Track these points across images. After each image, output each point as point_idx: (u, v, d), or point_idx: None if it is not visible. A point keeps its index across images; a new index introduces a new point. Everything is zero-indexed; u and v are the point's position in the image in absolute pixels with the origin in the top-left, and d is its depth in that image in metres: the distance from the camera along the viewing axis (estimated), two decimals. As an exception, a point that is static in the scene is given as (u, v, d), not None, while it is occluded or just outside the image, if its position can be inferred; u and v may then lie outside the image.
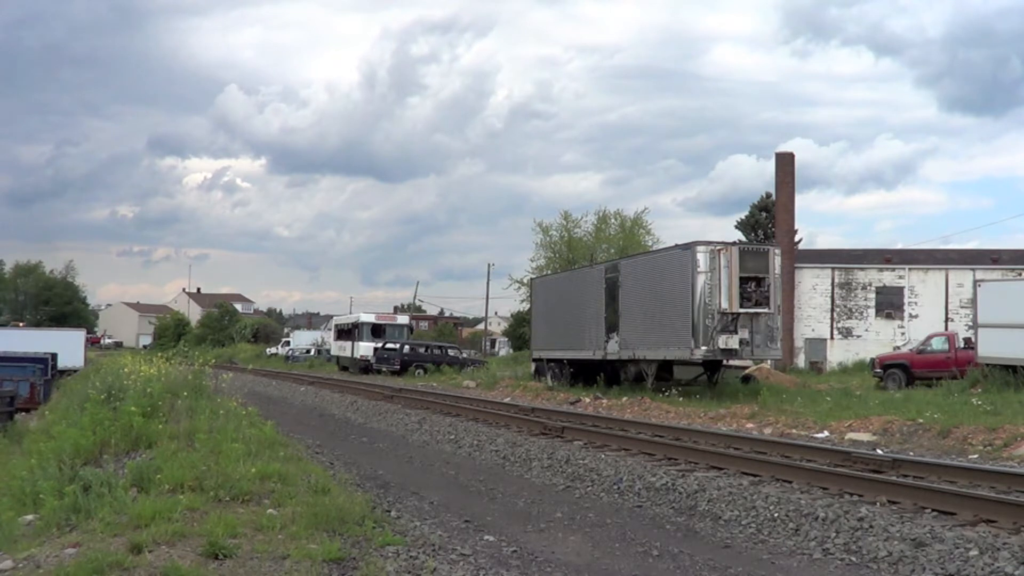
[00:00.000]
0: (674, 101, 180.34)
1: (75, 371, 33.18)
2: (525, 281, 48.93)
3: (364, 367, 45.87)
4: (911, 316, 42.97)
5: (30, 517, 8.44)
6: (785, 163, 44.64)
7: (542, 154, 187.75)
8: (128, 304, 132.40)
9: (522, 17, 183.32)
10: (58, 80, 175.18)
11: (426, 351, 47.33)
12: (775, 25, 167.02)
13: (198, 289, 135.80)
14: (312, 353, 66.36)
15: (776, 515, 9.08)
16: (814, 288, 43.80)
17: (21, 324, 61.81)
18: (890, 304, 43.51)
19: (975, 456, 13.43)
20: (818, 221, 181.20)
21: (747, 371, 27.61)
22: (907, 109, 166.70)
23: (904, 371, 28.33)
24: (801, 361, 42.27)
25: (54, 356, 29.20)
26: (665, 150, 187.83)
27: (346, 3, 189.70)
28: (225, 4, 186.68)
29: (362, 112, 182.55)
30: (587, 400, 23.99)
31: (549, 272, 46.57)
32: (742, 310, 21.55)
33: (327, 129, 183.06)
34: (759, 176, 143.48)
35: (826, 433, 16.18)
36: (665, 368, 25.33)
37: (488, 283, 75.06)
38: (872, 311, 43.64)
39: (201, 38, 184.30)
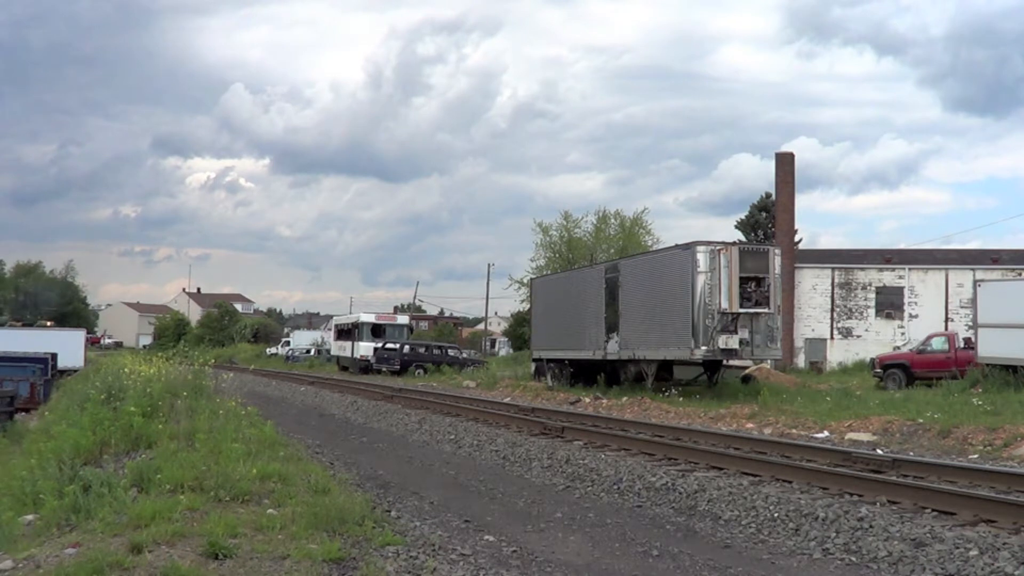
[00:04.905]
0: (680, 101, 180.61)
1: (75, 371, 33.17)
2: (525, 281, 48.95)
3: (364, 367, 45.87)
4: (911, 316, 42.97)
5: (30, 517, 8.44)
6: (785, 163, 44.65)
7: (546, 154, 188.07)
8: (128, 304, 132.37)
9: (530, 17, 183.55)
10: (63, 79, 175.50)
11: (426, 351, 47.33)
12: (778, 25, 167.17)
13: (198, 289, 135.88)
14: (312, 353, 66.34)
15: (776, 515, 9.08)
16: (814, 288, 43.80)
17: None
18: (890, 304, 43.52)
19: (975, 456, 13.43)
20: (821, 221, 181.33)
21: (747, 371, 27.59)
22: (911, 109, 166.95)
23: (904, 371, 28.32)
24: (801, 361, 42.27)
25: (54, 356, 29.20)
26: (670, 150, 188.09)
27: (354, 2, 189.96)
28: (232, 3, 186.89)
29: (367, 112, 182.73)
30: (587, 400, 23.99)
31: (549, 272, 46.58)
32: (742, 310, 21.55)
33: (331, 129, 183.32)
34: (762, 176, 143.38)
35: (826, 433, 16.18)
36: (665, 368, 25.32)
37: (488, 283, 75.17)
38: (872, 311, 43.64)
39: (207, 38, 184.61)
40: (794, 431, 16.71)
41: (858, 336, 43.45)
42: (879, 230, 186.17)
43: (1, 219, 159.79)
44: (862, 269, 44.23)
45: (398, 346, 45.97)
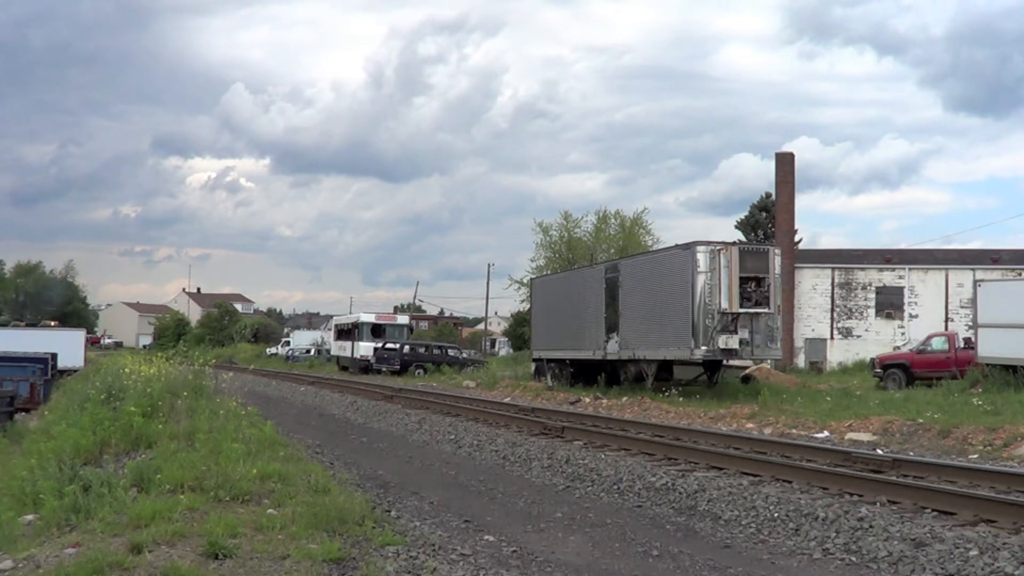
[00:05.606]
0: (681, 101, 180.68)
1: (75, 371, 33.16)
2: (525, 281, 48.94)
3: (364, 367, 45.87)
4: (911, 316, 42.97)
5: (30, 517, 8.45)
6: (785, 163, 44.64)
7: (547, 154, 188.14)
8: (128, 304, 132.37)
9: (531, 18, 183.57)
10: (64, 79, 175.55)
11: (426, 351, 47.33)
12: (779, 25, 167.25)
13: (198, 289, 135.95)
14: (312, 353, 66.36)
15: (776, 515, 9.08)
16: (814, 288, 43.80)
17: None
18: (890, 304, 43.51)
19: (975, 456, 13.43)
20: (821, 221, 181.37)
21: (747, 371, 27.60)
22: (912, 109, 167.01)
23: (904, 371, 28.32)
24: (801, 361, 42.27)
25: (54, 356, 29.18)
26: (670, 150, 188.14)
27: (355, 2, 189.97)
28: (232, 3, 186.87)
29: (367, 112, 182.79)
30: (587, 400, 23.99)
31: (549, 272, 46.57)
32: (742, 310, 21.54)
33: (332, 129, 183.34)
34: (763, 176, 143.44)
35: (826, 433, 16.18)
36: (665, 368, 25.32)
37: (488, 283, 75.18)
38: (872, 311, 43.64)
39: (208, 37, 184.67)
40: (794, 431, 16.71)
41: (858, 336, 43.44)
42: (879, 230, 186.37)
43: (1, 219, 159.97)
44: (862, 269, 44.22)
45: (398, 346, 45.97)
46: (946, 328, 39.08)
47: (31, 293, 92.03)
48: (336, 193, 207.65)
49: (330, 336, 60.86)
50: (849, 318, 43.77)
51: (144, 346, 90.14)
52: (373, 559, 6.81)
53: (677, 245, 23.93)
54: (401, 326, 50.81)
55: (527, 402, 24.53)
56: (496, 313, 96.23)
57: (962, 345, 27.96)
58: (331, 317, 79.43)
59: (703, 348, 21.86)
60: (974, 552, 7.30)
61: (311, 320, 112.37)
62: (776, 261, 22.29)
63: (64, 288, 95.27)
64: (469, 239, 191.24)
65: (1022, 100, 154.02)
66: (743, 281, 21.61)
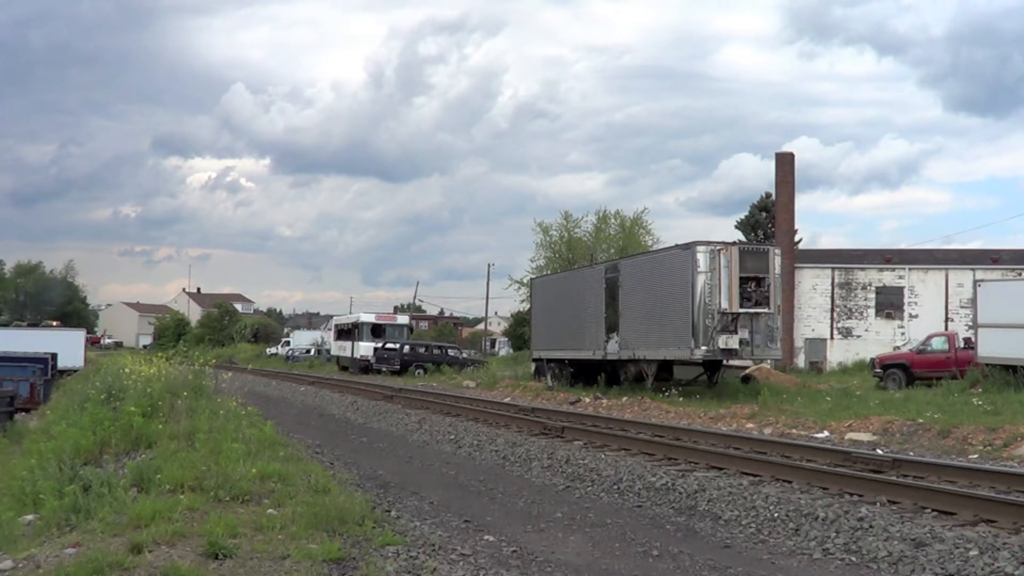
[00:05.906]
0: (681, 101, 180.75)
1: (75, 371, 33.16)
2: (525, 281, 48.94)
3: (364, 367, 45.88)
4: (911, 316, 42.97)
5: (30, 517, 8.45)
6: (785, 163, 44.65)
7: (547, 154, 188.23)
8: (128, 304, 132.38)
9: (532, 18, 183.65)
10: (64, 79, 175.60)
11: (426, 351, 47.33)
12: (779, 25, 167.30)
13: (198, 289, 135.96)
14: (312, 353, 66.36)
15: (776, 515, 9.08)
16: (814, 288, 43.80)
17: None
18: (890, 304, 43.52)
19: (975, 456, 13.43)
20: (822, 221, 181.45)
21: (747, 371, 27.59)
22: (912, 109, 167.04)
23: (904, 371, 28.32)
24: (801, 361, 42.27)
25: (54, 356, 29.18)
26: (670, 150, 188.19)
27: (355, 2, 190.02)
28: (233, 3, 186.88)
29: (367, 112, 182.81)
30: (587, 400, 23.99)
31: (549, 272, 46.57)
32: (742, 310, 21.54)
33: (332, 129, 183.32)
34: (763, 176, 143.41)
35: (826, 433, 16.18)
36: (665, 368, 25.32)
37: (488, 283, 75.18)
38: (872, 311, 43.64)
39: (208, 37, 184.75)
40: (794, 431, 16.71)
41: (858, 336, 43.44)
42: (880, 230, 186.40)
43: (1, 219, 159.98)
44: (862, 269, 44.22)
45: (398, 346, 45.98)
46: (946, 328, 39.08)
47: (31, 293, 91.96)
48: (336, 193, 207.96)
49: (330, 336, 60.86)
50: (849, 318, 43.77)
51: (144, 346, 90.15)
52: (373, 559, 6.81)
53: (677, 245, 23.92)
54: (401, 326, 50.82)
55: (527, 402, 24.53)
56: (496, 313, 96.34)
57: (962, 345, 27.96)
58: (331, 317, 79.42)
59: (703, 348, 21.86)
60: (974, 552, 7.30)
61: (311, 320, 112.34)
62: (776, 261, 22.29)
63: (64, 288, 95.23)
64: (469, 239, 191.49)
65: (1022, 100, 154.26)
66: (743, 281, 21.61)
